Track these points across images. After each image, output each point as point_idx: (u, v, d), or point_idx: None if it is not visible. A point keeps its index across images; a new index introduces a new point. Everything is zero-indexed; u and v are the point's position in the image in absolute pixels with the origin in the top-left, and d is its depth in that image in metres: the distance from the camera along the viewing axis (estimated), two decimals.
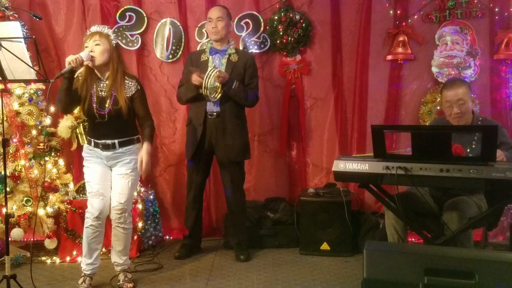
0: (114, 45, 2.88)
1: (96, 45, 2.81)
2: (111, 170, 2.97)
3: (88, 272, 2.95)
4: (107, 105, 2.85)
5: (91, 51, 2.80)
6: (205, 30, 3.73)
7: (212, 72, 3.24)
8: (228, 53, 3.43)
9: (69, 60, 2.69)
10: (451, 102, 2.83)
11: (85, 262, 2.95)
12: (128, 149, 2.93)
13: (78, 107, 3.10)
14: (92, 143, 2.95)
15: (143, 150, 2.88)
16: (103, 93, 2.87)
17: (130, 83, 2.91)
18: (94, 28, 2.89)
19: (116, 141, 2.90)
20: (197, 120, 3.42)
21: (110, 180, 2.97)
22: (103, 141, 2.91)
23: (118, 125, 2.90)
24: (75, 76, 2.86)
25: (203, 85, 3.24)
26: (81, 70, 2.88)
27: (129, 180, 2.93)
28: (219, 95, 3.32)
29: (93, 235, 2.89)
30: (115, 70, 2.86)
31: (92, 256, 2.93)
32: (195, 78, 3.25)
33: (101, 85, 2.89)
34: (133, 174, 2.96)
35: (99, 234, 2.92)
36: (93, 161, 2.95)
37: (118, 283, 3.00)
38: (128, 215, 2.95)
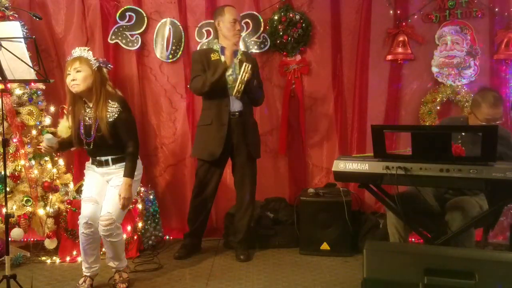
0: (95, 68, 2.87)
1: (77, 72, 2.82)
2: (107, 182, 3.01)
3: (88, 274, 2.96)
4: (92, 133, 2.87)
5: (73, 80, 2.82)
6: (219, 29, 3.44)
7: (248, 68, 3.23)
8: (240, 53, 3.46)
9: (43, 152, 2.90)
10: (490, 120, 2.79)
11: (83, 266, 2.96)
12: (121, 165, 2.94)
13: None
14: (90, 160, 3.04)
15: (122, 186, 2.87)
16: (90, 121, 2.88)
17: (113, 105, 2.88)
18: (76, 53, 2.88)
19: (109, 158, 2.94)
20: (220, 120, 3.38)
21: (105, 189, 2.97)
22: (96, 158, 2.97)
23: (106, 148, 2.92)
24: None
25: (240, 79, 3.24)
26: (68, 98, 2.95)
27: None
28: (241, 92, 3.31)
29: (87, 242, 2.88)
30: (98, 95, 2.86)
31: (89, 261, 2.94)
32: (228, 58, 3.25)
33: (88, 111, 2.90)
34: None
35: (93, 241, 2.90)
36: (92, 173, 3.01)
37: (113, 283, 3.02)
38: (115, 227, 2.85)
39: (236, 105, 3.40)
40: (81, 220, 2.86)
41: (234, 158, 3.53)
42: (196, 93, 3.56)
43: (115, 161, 2.95)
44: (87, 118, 2.90)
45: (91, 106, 2.90)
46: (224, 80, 3.33)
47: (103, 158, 2.95)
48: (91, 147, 2.90)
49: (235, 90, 3.29)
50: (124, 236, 3.23)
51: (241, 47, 3.97)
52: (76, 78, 2.82)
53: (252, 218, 3.61)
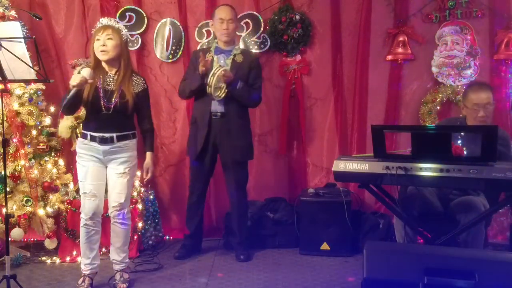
0: (124, 41, 2.90)
1: (108, 39, 2.82)
2: (105, 167, 2.94)
3: (87, 272, 2.95)
4: (114, 99, 2.84)
5: (103, 45, 2.81)
6: (212, 29, 3.64)
7: (217, 71, 3.23)
8: (233, 54, 3.42)
9: (74, 83, 2.66)
10: (479, 106, 2.82)
11: (83, 262, 2.95)
12: (125, 144, 2.91)
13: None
14: (88, 137, 2.87)
15: (149, 161, 3.01)
16: (110, 87, 2.86)
17: (138, 80, 2.95)
18: (105, 21, 2.88)
19: (114, 135, 2.86)
20: (201, 120, 3.41)
21: (104, 178, 2.94)
22: (100, 134, 2.85)
23: (120, 120, 2.89)
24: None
25: (208, 82, 3.24)
26: (88, 61, 2.91)
27: (127, 179, 2.93)
28: (223, 94, 3.31)
29: (89, 234, 2.90)
30: (125, 65, 2.88)
31: (90, 256, 2.93)
32: (202, 64, 3.22)
33: (108, 79, 2.88)
34: (131, 171, 2.96)
35: (95, 233, 2.92)
36: (87, 158, 2.89)
37: (114, 283, 3.01)
38: (127, 211, 2.97)
39: (218, 106, 3.37)
40: (84, 214, 2.88)
41: (221, 159, 3.53)
42: (181, 98, 3.62)
43: (119, 138, 2.89)
44: (106, 85, 2.87)
45: (112, 74, 2.89)
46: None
47: (107, 135, 2.86)
48: (110, 112, 2.84)
49: (213, 94, 3.27)
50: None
51: (241, 47, 3.97)
52: (107, 45, 2.81)
53: (245, 218, 3.60)
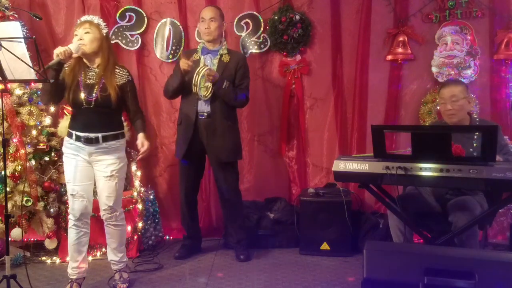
0: (104, 34, 2.84)
1: (86, 33, 2.77)
2: (92, 167, 2.87)
3: (74, 277, 2.87)
4: (94, 92, 2.78)
5: (81, 39, 2.76)
6: (198, 30, 3.71)
7: (202, 70, 3.23)
8: (220, 54, 3.40)
9: (57, 52, 2.64)
10: (445, 99, 2.90)
11: (70, 266, 2.88)
12: (111, 145, 2.83)
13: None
14: (74, 136, 2.81)
15: (142, 140, 2.87)
16: (91, 81, 2.80)
17: (121, 72, 2.88)
18: (84, 18, 2.86)
19: (99, 135, 2.78)
20: (188, 120, 3.39)
21: (92, 179, 2.89)
22: (85, 134, 2.78)
23: (104, 116, 2.81)
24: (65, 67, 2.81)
25: (193, 82, 3.24)
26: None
27: (116, 182, 2.86)
28: (210, 94, 3.31)
29: (77, 235, 2.85)
30: (106, 59, 2.82)
31: (78, 259, 2.86)
32: (183, 62, 3.22)
33: (90, 73, 2.83)
34: (119, 173, 2.89)
35: (84, 234, 2.87)
36: (73, 158, 2.83)
37: (114, 283, 3.01)
38: (119, 213, 2.94)
39: (204, 106, 3.36)
40: (72, 215, 2.84)
41: (209, 159, 3.53)
42: (166, 97, 3.59)
43: (105, 139, 2.80)
44: (87, 79, 2.81)
45: (94, 68, 2.84)
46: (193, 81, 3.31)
47: (92, 135, 2.78)
48: (92, 106, 2.77)
49: (198, 93, 3.28)
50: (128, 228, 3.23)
51: (240, 47, 3.98)
52: (84, 39, 2.76)
53: (239, 218, 3.59)
